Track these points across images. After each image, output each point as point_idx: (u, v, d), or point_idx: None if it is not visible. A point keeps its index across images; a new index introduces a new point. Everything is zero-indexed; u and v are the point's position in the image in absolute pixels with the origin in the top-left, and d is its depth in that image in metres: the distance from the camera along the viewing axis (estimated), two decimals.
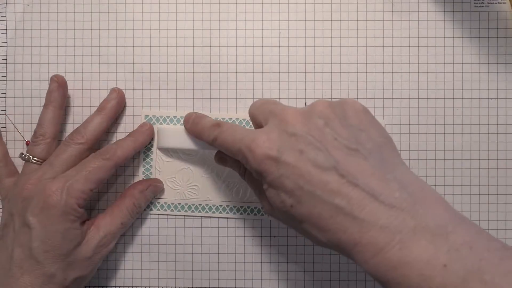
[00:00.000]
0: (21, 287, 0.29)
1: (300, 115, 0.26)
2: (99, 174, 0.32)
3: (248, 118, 0.36)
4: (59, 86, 0.35)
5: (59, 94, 0.35)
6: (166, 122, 0.36)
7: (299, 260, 0.36)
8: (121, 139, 0.34)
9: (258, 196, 0.30)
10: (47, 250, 0.30)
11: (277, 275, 0.36)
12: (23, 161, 0.34)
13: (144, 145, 0.35)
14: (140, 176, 0.36)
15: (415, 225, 0.22)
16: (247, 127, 0.31)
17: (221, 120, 0.33)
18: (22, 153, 0.34)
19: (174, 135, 0.35)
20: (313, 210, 0.24)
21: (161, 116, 0.36)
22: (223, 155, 0.33)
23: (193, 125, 0.33)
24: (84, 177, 0.31)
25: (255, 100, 0.32)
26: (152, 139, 0.36)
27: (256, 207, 0.36)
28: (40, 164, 0.34)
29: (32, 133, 0.35)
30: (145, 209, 0.36)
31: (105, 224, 0.33)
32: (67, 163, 0.33)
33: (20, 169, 0.35)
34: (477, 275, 0.21)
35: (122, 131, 0.36)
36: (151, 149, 0.36)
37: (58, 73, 0.36)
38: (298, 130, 0.25)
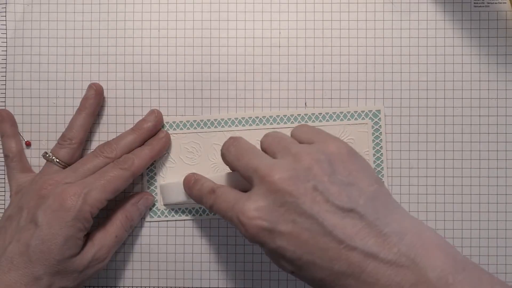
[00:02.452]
0: (5, 282, 0.29)
1: (288, 179, 0.25)
2: (116, 184, 0.32)
3: (254, 116, 0.36)
4: (96, 94, 0.35)
5: (94, 102, 0.35)
6: (166, 128, 0.36)
7: None
8: (138, 148, 0.34)
9: None
10: (44, 251, 0.30)
11: (277, 275, 0.36)
12: (45, 160, 0.34)
13: (161, 153, 0.35)
14: (144, 184, 0.36)
15: (416, 280, 0.22)
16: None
17: (219, 184, 0.31)
18: (46, 152, 0.34)
19: (178, 190, 0.35)
20: (315, 276, 0.25)
21: (167, 122, 0.36)
22: None
23: (191, 191, 0.33)
24: (102, 186, 0.31)
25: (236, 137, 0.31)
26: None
27: None
28: (62, 167, 0.34)
29: (58, 134, 0.35)
30: (152, 216, 0.36)
31: (99, 238, 0.33)
32: (91, 173, 0.33)
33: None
34: None
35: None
36: None
37: (95, 81, 0.36)
38: (287, 199, 0.25)
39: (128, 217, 0.34)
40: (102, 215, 0.35)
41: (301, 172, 0.26)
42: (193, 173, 0.34)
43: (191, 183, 0.33)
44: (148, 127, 0.35)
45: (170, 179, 0.36)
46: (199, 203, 0.32)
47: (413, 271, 0.23)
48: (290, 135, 0.30)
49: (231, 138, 0.31)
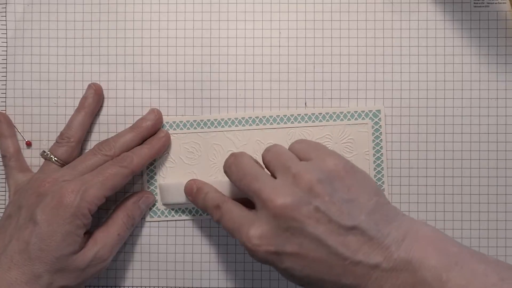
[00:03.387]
0: (5, 280, 0.29)
1: (290, 204, 0.26)
2: (115, 181, 0.32)
3: (254, 116, 0.36)
4: (95, 94, 0.35)
5: (93, 101, 0.35)
6: (166, 128, 0.36)
7: None
8: (138, 146, 0.34)
9: None
10: (43, 248, 0.30)
11: (277, 275, 0.36)
12: (43, 159, 0.34)
13: (161, 152, 0.35)
14: (144, 183, 0.36)
15: (414, 281, 0.24)
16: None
17: (223, 197, 0.32)
18: (44, 151, 0.34)
19: (178, 192, 0.35)
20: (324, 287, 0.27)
21: (167, 122, 0.36)
22: None
23: (195, 200, 0.33)
24: (100, 182, 0.31)
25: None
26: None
27: None
28: (60, 165, 0.34)
29: (58, 133, 0.35)
30: (152, 216, 0.36)
31: (102, 237, 0.33)
32: (89, 170, 0.33)
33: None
34: None
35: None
36: None
37: (95, 81, 0.36)
38: (292, 224, 0.26)
39: (130, 215, 0.34)
40: (104, 215, 0.35)
41: (303, 194, 0.26)
42: (194, 180, 0.34)
43: (193, 192, 0.34)
44: (147, 126, 0.35)
45: (170, 179, 0.36)
46: (206, 211, 0.33)
47: (411, 273, 0.24)
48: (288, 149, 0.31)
49: (231, 155, 0.31)
